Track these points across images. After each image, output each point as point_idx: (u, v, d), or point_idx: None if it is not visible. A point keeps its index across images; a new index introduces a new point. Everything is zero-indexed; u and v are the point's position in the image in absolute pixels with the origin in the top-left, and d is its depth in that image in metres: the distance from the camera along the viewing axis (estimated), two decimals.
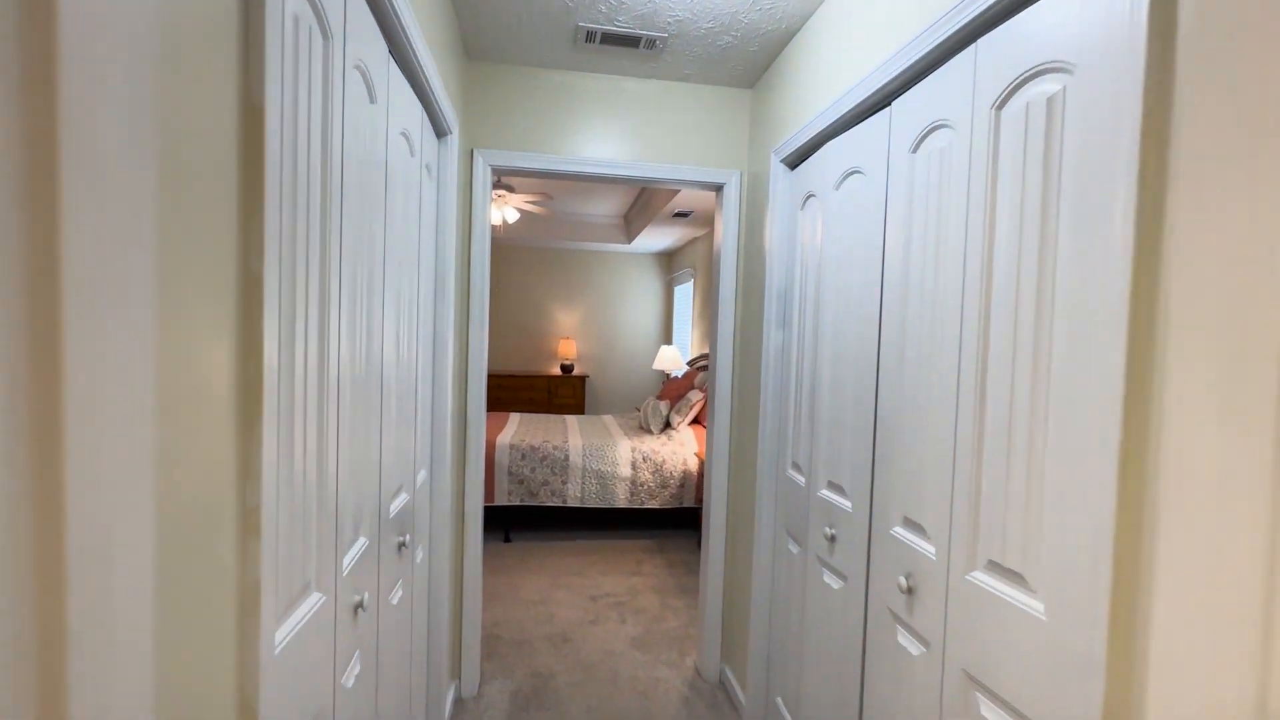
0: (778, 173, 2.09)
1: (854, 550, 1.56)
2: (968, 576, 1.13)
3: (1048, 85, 1.00)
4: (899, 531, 1.37)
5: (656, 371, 7.19)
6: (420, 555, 1.78)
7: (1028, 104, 1.03)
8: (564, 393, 6.79)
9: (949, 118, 1.24)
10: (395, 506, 1.46)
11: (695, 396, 4.49)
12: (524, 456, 3.99)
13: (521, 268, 7.09)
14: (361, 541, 1.20)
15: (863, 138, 1.59)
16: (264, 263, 0.66)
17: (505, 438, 4.11)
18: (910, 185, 1.37)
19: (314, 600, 0.93)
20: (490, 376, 6.65)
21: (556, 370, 7.11)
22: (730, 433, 2.46)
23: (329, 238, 0.95)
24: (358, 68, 1.08)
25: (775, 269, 2.10)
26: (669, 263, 7.31)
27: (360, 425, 1.15)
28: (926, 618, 1.25)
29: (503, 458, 3.97)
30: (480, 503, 2.31)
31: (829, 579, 1.70)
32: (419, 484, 1.73)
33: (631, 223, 6.22)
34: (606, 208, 5.95)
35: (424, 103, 1.62)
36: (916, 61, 1.32)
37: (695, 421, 4.67)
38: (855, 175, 1.62)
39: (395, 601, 1.47)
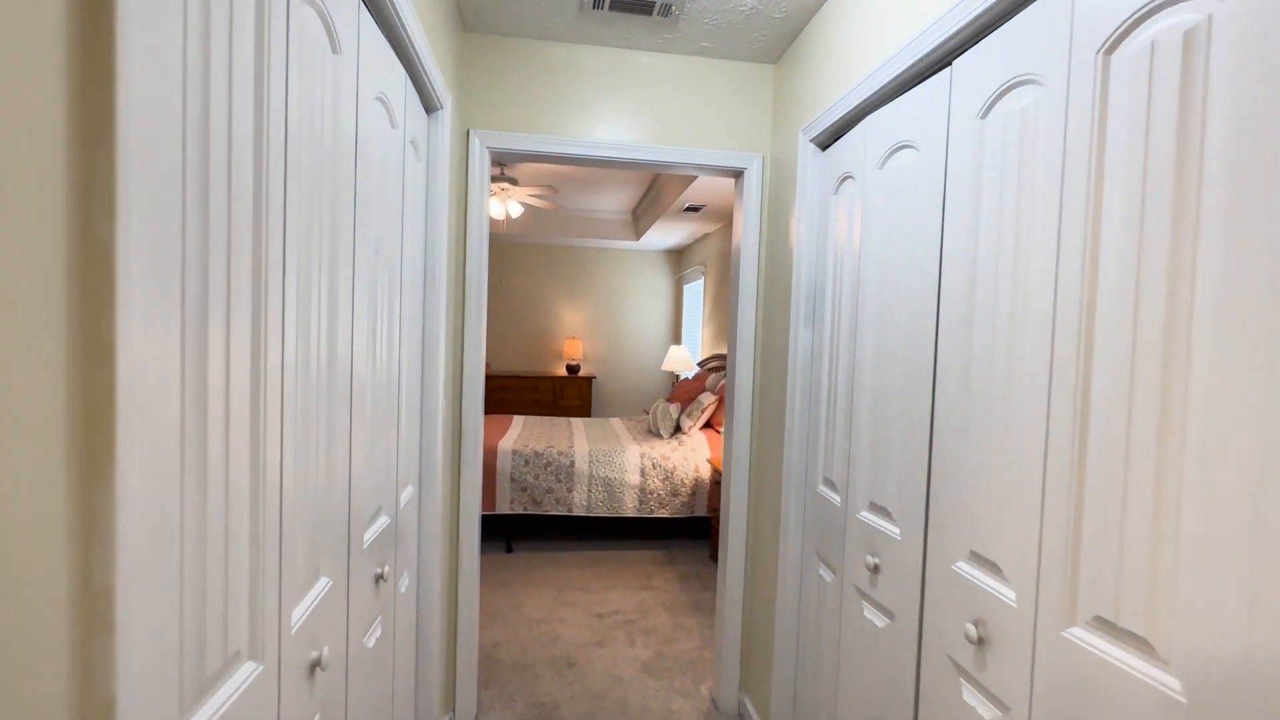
0: (807, 154, 1.88)
1: (904, 585, 1.35)
2: (1064, 633, 0.92)
3: (1184, 16, 0.78)
4: (964, 569, 1.15)
5: (665, 373, 6.98)
6: (406, 583, 1.58)
7: (1152, 43, 0.82)
8: (570, 394, 6.59)
9: (1034, 71, 1.02)
10: (372, 533, 1.26)
11: (707, 399, 4.28)
12: (527, 462, 3.79)
13: (526, 265, 6.90)
14: (323, 583, 0.99)
15: (915, 105, 1.37)
16: (115, 228, 0.46)
17: (507, 442, 3.91)
18: (978, 157, 1.15)
19: (245, 673, 0.73)
20: (493, 377, 6.45)
21: (562, 371, 6.91)
22: (751, 442, 2.24)
23: (265, 212, 0.74)
24: (311, 2, 0.87)
25: (803, 261, 1.89)
26: (678, 260, 7.10)
27: (316, 443, 0.95)
28: (1004, 676, 1.04)
29: (504, 464, 3.77)
30: (477, 518, 2.11)
31: (871, 614, 1.48)
32: (404, 502, 1.53)
33: (640, 218, 6.02)
34: (614, 202, 5.74)
35: (407, 66, 1.42)
36: (991, 6, 1.10)
37: (707, 425, 4.46)
38: (905, 150, 1.40)
39: (372, 644, 1.27)
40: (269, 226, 0.75)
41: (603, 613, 3.08)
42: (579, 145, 2.10)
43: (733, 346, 2.26)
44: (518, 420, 4.85)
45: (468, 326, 2.05)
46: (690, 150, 2.16)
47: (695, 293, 6.42)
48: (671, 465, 3.90)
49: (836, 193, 1.75)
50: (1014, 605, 1.02)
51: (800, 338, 1.89)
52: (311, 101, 0.88)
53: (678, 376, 5.94)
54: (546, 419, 5.08)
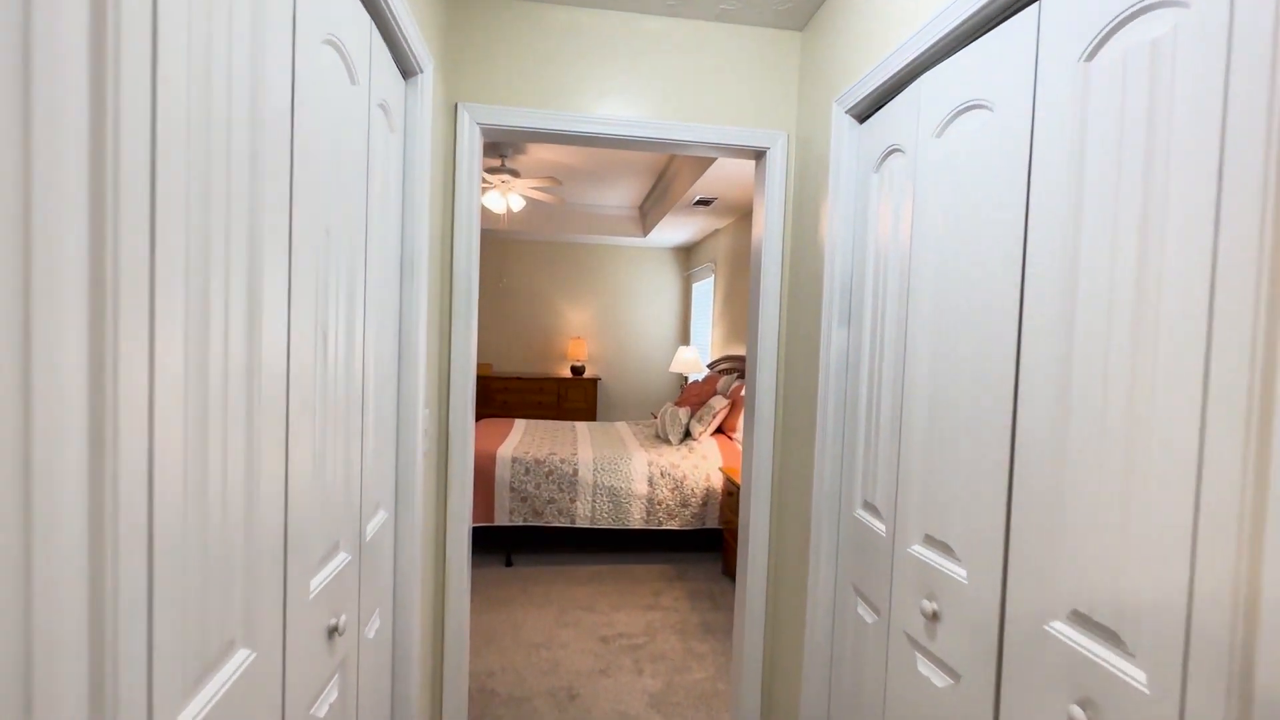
0: (841, 128, 1.63)
1: (974, 641, 1.10)
2: None
3: None
4: (1063, 632, 0.91)
5: (674, 374, 6.74)
6: (376, 626, 1.35)
7: None
8: (574, 396, 6.36)
9: None
10: (324, 578, 1.03)
11: (719, 403, 4.03)
12: (527, 471, 3.56)
13: (529, 262, 6.68)
14: (242, 657, 0.76)
15: (986, 56, 1.13)
16: None
17: (507, 449, 3.68)
18: (1081, 111, 0.91)
19: None
20: (495, 379, 6.24)
21: (566, 372, 6.68)
22: (774, 454, 2.01)
23: (108, 173, 0.51)
24: None
25: (837, 251, 1.64)
26: (687, 258, 6.86)
27: (223, 470, 0.72)
28: None
29: (504, 473, 3.54)
30: (467, 542, 1.88)
31: (927, 670, 1.24)
32: (373, 531, 1.30)
33: (647, 214, 5.78)
34: (621, 197, 5.51)
35: (373, 12, 1.19)
36: None
37: (719, 431, 4.21)
38: (973, 112, 1.16)
39: (323, 713, 1.04)
40: (117, 193, 0.52)
41: (608, 636, 2.85)
42: (581, 121, 1.87)
43: (753, 348, 2.02)
44: (519, 425, 4.63)
45: (456, 325, 1.82)
46: (706, 128, 1.92)
47: (705, 291, 6.18)
48: (681, 474, 3.66)
49: (878, 170, 1.51)
50: (1145, 691, 0.78)
51: (833, 339, 1.65)
52: (207, 24, 0.65)
53: (686, 379, 5.71)
54: (550, 423, 4.85)
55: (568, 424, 4.85)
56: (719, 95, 1.94)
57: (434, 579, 1.81)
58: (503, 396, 6.26)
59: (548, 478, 3.57)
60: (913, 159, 1.34)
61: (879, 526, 1.44)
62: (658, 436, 4.37)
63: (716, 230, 5.63)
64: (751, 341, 2.03)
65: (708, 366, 5.56)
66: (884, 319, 1.46)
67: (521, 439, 4.05)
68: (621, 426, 4.80)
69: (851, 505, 1.58)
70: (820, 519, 1.67)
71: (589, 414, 6.38)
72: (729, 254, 5.30)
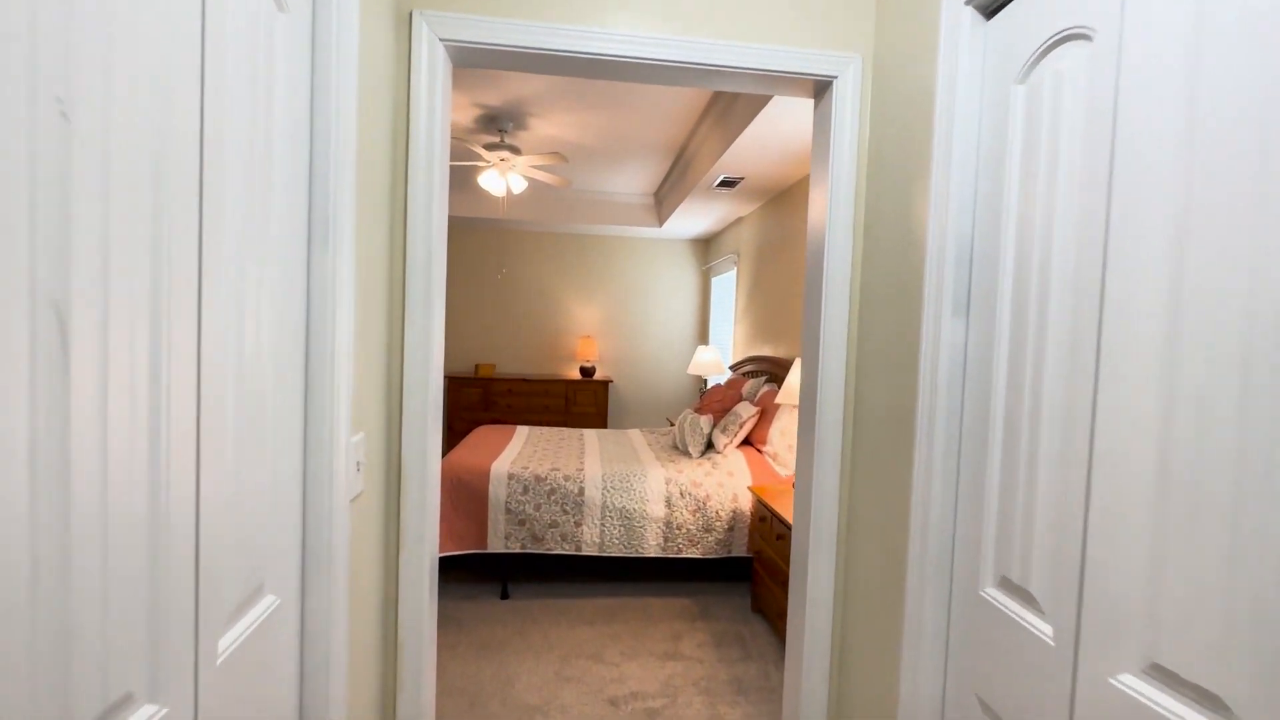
0: (957, 29, 1.13)
1: None
2: None
3: None
4: None
5: (692, 377, 6.24)
6: None
7: None
8: (583, 400, 5.88)
9: None
10: None
11: (746, 412, 3.53)
12: (526, 489, 3.08)
13: (534, 254, 6.20)
14: None
15: None
16: None
17: (504, 464, 3.20)
18: None
19: None
20: (498, 381, 5.77)
21: (575, 374, 6.21)
22: (841, 493, 1.50)
23: None
24: None
25: (950, 210, 1.13)
26: (705, 250, 6.35)
27: None
28: None
29: (498, 491, 3.06)
30: (429, 616, 1.39)
31: None
32: (248, 630, 0.82)
33: (663, 201, 5.28)
34: (634, 182, 5.02)
35: None
36: None
37: (746, 443, 3.70)
38: None
39: None
40: None
41: (617, 696, 2.35)
42: (585, 38, 1.37)
43: (811, 353, 1.51)
44: (520, 433, 4.15)
45: (412, 314, 1.33)
46: (747, 49, 1.42)
47: (725, 286, 5.67)
48: (704, 494, 3.16)
49: (1025, 79, 1.00)
50: None
51: (944, 336, 1.14)
52: None
53: (705, 382, 5.22)
54: (555, 431, 4.37)
55: (575, 432, 4.36)
56: (769, 7, 1.44)
57: (379, 681, 1.32)
58: (506, 400, 5.79)
59: (549, 497, 3.08)
60: (1114, 43, 0.83)
61: (1038, 627, 0.93)
62: (675, 447, 3.87)
63: (740, 218, 5.12)
64: (809, 344, 1.53)
65: (730, 369, 5.05)
66: (1042, 310, 0.95)
67: (521, 450, 3.56)
68: (635, 435, 4.31)
69: (976, 579, 1.08)
70: (922, 594, 1.16)
71: (599, 419, 5.89)
72: (755, 243, 4.78)
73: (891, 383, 1.30)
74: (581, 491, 3.10)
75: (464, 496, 3.04)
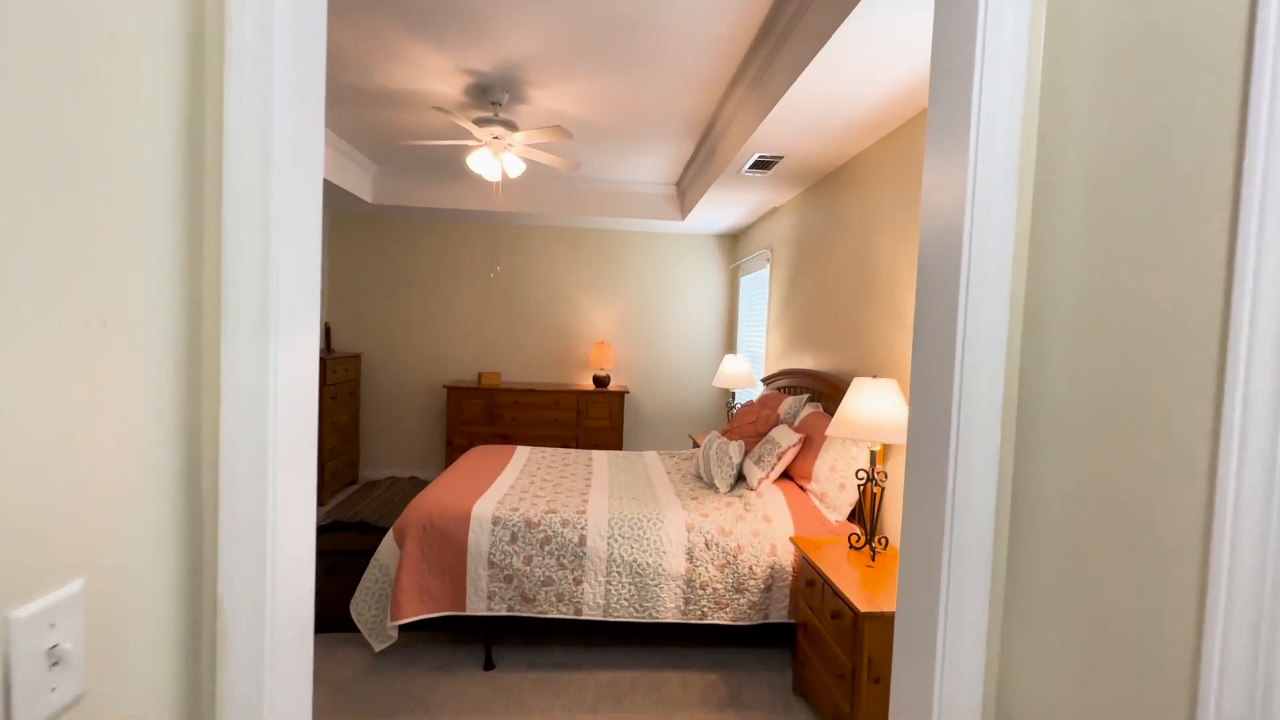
0: None
1: None
2: None
3: None
4: None
5: (718, 390, 5.61)
6: None
7: None
8: (596, 412, 5.30)
9: None
10: None
11: (786, 439, 2.90)
12: (515, 537, 2.50)
13: (543, 252, 5.64)
14: None
15: None
16: None
17: (488, 504, 2.63)
18: None
19: None
20: (504, 392, 5.22)
21: (588, 383, 5.63)
22: (993, 588, 0.87)
23: None
24: None
25: None
26: (733, 246, 5.72)
27: None
28: None
29: (480, 540, 2.49)
30: None
31: None
32: None
33: (687, 190, 4.67)
34: (653, 168, 4.41)
35: None
36: None
37: (785, 476, 3.07)
38: None
39: None
40: None
41: None
42: None
43: (934, 397, 0.89)
44: (519, 458, 3.58)
45: (235, 342, 0.74)
46: None
47: (757, 286, 5.03)
48: (734, 544, 2.54)
49: None
50: None
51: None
52: None
53: (733, 396, 4.59)
54: (560, 454, 3.79)
55: (582, 455, 3.77)
56: None
57: None
58: (511, 413, 5.24)
59: (543, 547, 2.50)
60: None
61: None
62: (699, 477, 3.26)
63: (774, 209, 4.48)
64: (926, 388, 0.90)
65: (762, 381, 4.41)
66: None
67: (515, 483, 2.99)
68: (652, 461, 3.70)
69: None
70: None
71: (614, 434, 5.30)
72: (792, 237, 4.14)
73: (1110, 468, 0.68)
74: (583, 540, 2.51)
75: (438, 546, 2.47)
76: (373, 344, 5.56)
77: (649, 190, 4.96)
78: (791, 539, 2.48)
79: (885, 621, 1.83)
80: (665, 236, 5.68)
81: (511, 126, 3.11)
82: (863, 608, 1.86)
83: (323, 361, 4.64)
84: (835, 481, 2.66)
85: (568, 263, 5.66)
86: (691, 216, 4.79)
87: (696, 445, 4.56)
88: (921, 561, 0.90)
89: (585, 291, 5.69)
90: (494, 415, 5.23)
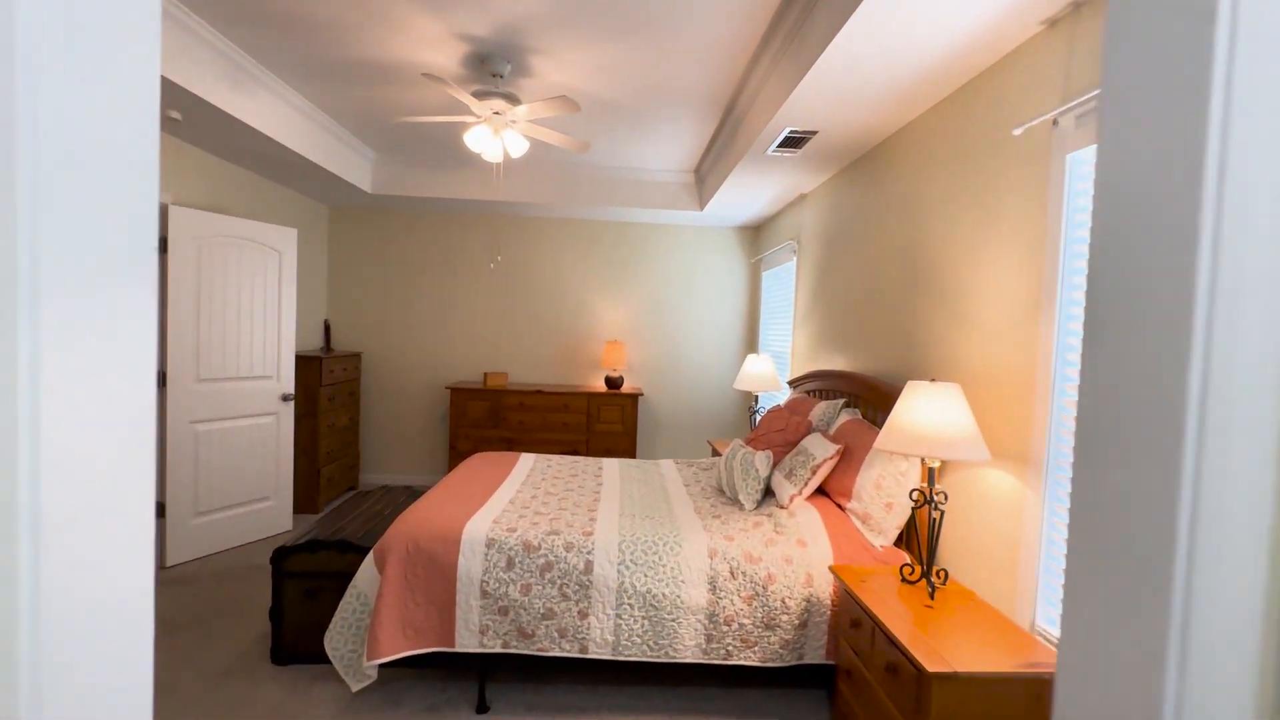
0: None
1: None
2: None
3: None
4: None
5: (740, 393, 5.26)
6: None
7: None
8: (608, 416, 4.97)
9: None
10: None
11: (820, 450, 2.55)
12: (511, 563, 2.18)
13: (552, 245, 5.33)
14: None
15: None
16: None
17: (482, 523, 2.31)
18: None
19: None
20: (510, 393, 4.92)
21: (599, 384, 5.31)
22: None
23: None
24: None
25: None
26: (755, 239, 5.37)
27: None
28: None
29: (472, 566, 2.17)
30: None
31: None
32: None
33: (706, 177, 4.34)
34: (670, 153, 4.08)
35: None
36: None
37: (820, 492, 2.72)
38: None
39: None
40: None
41: None
42: None
43: (1190, 335, 0.54)
44: (521, 467, 3.26)
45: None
46: None
47: (781, 281, 4.68)
48: (763, 573, 2.20)
49: None
50: None
51: None
52: None
53: (756, 399, 4.25)
54: (569, 462, 3.47)
55: (592, 465, 3.45)
56: None
57: None
58: (519, 416, 4.94)
59: (544, 575, 2.18)
60: None
61: None
62: (720, 491, 2.92)
63: (802, 196, 4.12)
64: (1117, 326, 0.56)
65: (789, 384, 4.06)
66: None
67: (515, 497, 2.67)
68: (669, 471, 3.37)
69: None
70: None
71: (627, 440, 4.97)
72: (823, 225, 3.78)
73: None
74: (589, 567, 2.18)
75: (424, 572, 2.16)
76: (374, 342, 5.29)
77: (665, 178, 4.63)
78: (831, 568, 2.14)
79: (960, 685, 1.48)
80: (682, 228, 5.34)
81: (513, 100, 2.79)
82: (929, 665, 1.51)
83: (318, 360, 4.37)
84: (880, 501, 2.30)
85: (579, 256, 5.34)
86: (711, 206, 4.45)
87: (716, 453, 4.21)
88: (1108, 654, 0.56)
89: (597, 287, 5.37)
90: (499, 418, 4.93)
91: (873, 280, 2.97)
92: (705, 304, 5.40)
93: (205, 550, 3.56)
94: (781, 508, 2.54)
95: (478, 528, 2.26)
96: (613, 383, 5.08)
